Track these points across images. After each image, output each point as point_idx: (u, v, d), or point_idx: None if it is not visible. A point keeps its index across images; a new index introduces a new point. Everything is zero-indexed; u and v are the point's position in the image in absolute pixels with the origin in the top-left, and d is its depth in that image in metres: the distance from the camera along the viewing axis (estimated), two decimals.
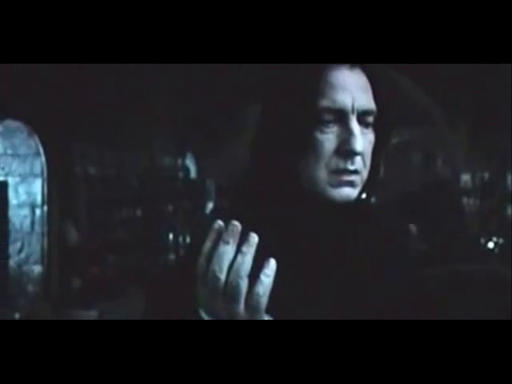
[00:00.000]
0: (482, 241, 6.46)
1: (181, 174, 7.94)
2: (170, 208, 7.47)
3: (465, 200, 7.81)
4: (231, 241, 0.64)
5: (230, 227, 0.64)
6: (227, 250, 0.64)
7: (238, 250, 0.64)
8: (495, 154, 6.86)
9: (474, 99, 7.34)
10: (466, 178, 7.91)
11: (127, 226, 6.36)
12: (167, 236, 7.30)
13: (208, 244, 0.65)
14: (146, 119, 6.60)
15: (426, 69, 6.67)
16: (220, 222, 0.65)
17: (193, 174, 8.35)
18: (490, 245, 6.35)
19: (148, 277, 5.98)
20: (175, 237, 7.43)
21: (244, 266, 0.64)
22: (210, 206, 8.32)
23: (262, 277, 0.64)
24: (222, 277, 0.64)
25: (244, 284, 0.64)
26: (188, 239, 7.55)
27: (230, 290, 0.64)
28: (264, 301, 0.65)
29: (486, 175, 7.42)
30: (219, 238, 0.64)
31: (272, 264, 0.65)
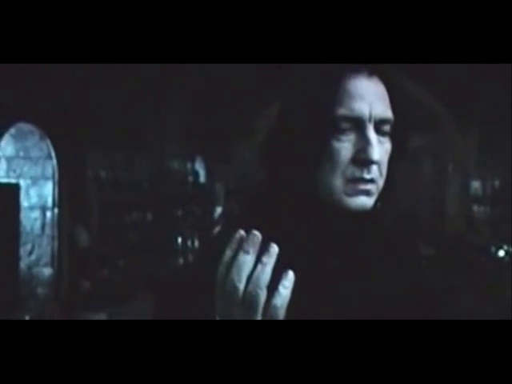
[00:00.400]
0: (493, 249, 6.41)
1: (190, 178, 7.96)
2: (180, 212, 7.48)
3: (475, 207, 7.76)
4: (251, 250, 0.63)
5: (251, 237, 0.64)
6: (247, 260, 0.63)
7: (258, 260, 0.63)
8: (506, 161, 6.82)
9: (486, 105, 7.30)
10: (476, 185, 7.86)
11: (137, 230, 6.38)
12: (176, 240, 7.31)
13: (228, 253, 0.65)
14: (156, 123, 6.62)
15: (437, 74, 6.64)
16: (241, 232, 0.65)
17: (202, 178, 8.37)
18: (501, 253, 6.30)
19: (157, 280, 5.99)
20: (184, 241, 7.45)
21: (264, 277, 0.63)
22: (219, 210, 8.33)
23: (281, 288, 0.63)
24: (241, 286, 0.63)
25: (263, 295, 0.63)
26: (197, 243, 7.56)
27: (248, 300, 0.63)
28: (282, 313, 0.64)
29: (497, 182, 7.37)
30: (239, 247, 0.64)
31: (290, 276, 0.64)
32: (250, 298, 0.63)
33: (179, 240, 7.37)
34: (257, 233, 0.64)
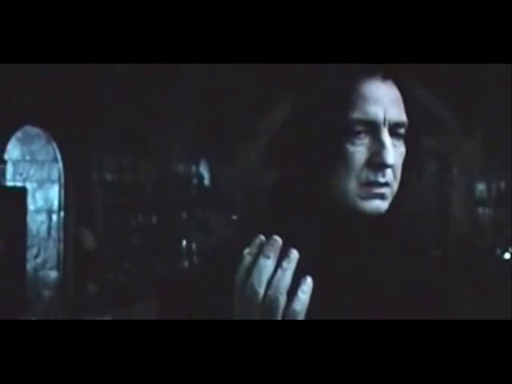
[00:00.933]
0: (498, 251, 6.39)
1: (195, 181, 7.97)
2: (184, 215, 7.49)
3: (480, 210, 7.74)
4: (272, 255, 0.64)
5: (271, 242, 0.64)
6: (267, 265, 0.63)
7: (279, 265, 0.64)
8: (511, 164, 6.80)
9: (490, 107, 7.29)
10: (481, 187, 7.85)
11: (142, 233, 6.39)
12: (181, 242, 7.33)
13: (248, 257, 0.65)
14: (161, 126, 6.64)
15: (441, 76, 6.64)
16: (261, 237, 0.65)
17: (207, 180, 8.39)
18: (507, 255, 6.29)
19: (161, 283, 6.00)
20: (189, 243, 7.46)
21: (284, 282, 0.63)
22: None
23: (300, 293, 0.64)
24: (261, 291, 0.63)
25: (283, 299, 0.64)
26: (202, 246, 7.57)
27: (268, 305, 0.63)
28: (301, 317, 0.64)
29: (502, 184, 7.36)
30: (260, 252, 0.64)
31: (309, 281, 0.64)
32: (269, 303, 0.63)
33: (184, 243, 7.38)
34: (277, 238, 0.64)
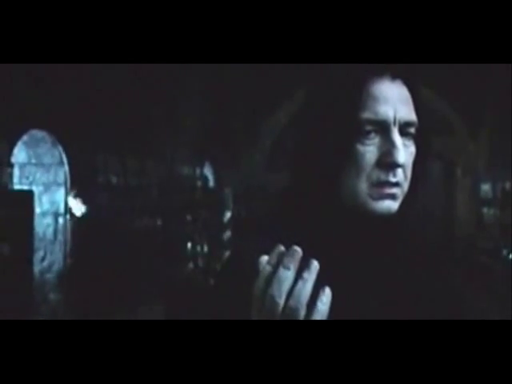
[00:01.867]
0: (504, 252, 6.37)
1: (199, 183, 7.99)
2: (189, 217, 7.51)
3: (485, 210, 7.72)
4: (292, 266, 0.63)
5: (291, 252, 0.63)
6: (287, 276, 0.62)
7: (299, 276, 0.63)
8: None
9: (496, 108, 7.28)
10: (486, 187, 7.83)
11: (147, 235, 6.41)
12: (186, 244, 7.34)
13: (268, 268, 0.63)
14: (165, 129, 6.66)
15: (446, 76, 6.63)
16: (281, 247, 0.64)
17: (211, 183, 8.39)
18: None
19: (167, 285, 6.01)
20: (193, 245, 7.46)
21: (304, 293, 0.62)
22: (228, 214, 8.34)
23: (319, 304, 0.63)
24: (281, 302, 0.63)
25: (303, 311, 0.63)
26: (206, 248, 7.57)
27: (288, 316, 0.63)
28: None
29: (507, 185, 7.34)
30: (280, 262, 0.63)
31: (327, 292, 0.63)
32: (289, 314, 0.63)
33: (189, 245, 7.39)
34: (297, 248, 0.63)
